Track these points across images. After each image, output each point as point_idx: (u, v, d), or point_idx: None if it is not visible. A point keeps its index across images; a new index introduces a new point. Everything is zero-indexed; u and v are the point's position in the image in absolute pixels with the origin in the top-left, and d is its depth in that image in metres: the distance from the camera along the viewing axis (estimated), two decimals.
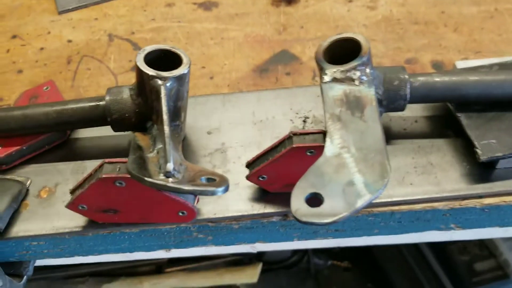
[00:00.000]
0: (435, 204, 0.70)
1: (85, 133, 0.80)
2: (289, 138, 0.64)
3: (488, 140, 0.69)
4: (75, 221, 0.70)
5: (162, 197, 0.63)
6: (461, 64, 0.80)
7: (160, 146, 0.62)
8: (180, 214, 0.66)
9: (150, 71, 0.66)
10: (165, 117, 0.62)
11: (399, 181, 0.71)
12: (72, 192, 0.67)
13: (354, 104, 0.63)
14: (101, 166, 0.63)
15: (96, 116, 0.72)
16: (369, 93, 0.64)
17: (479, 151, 0.68)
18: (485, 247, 1.40)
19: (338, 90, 0.64)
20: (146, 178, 0.55)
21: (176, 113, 0.69)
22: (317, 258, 1.65)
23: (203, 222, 0.70)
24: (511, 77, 0.70)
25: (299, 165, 0.63)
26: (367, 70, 0.65)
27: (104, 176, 0.61)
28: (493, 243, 1.38)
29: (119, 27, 0.98)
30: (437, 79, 0.70)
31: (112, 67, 0.91)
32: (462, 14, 0.94)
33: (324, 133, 0.62)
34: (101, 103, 0.71)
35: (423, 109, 0.78)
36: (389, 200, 0.70)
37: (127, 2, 1.03)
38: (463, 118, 0.72)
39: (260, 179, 0.68)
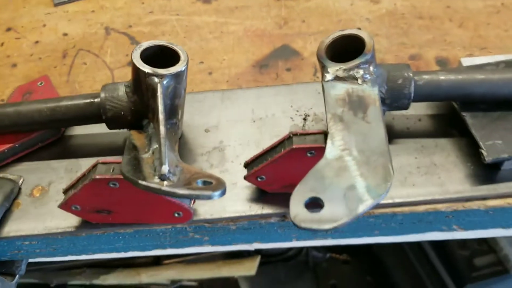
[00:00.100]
0: (438, 206, 0.68)
1: (80, 130, 0.78)
2: (289, 138, 0.62)
3: (494, 141, 0.67)
4: (68, 221, 0.69)
5: (157, 198, 0.61)
6: (466, 61, 0.78)
7: (155, 146, 0.60)
8: (176, 215, 0.64)
9: (147, 68, 0.63)
10: (161, 116, 0.60)
11: (402, 181, 0.69)
12: (65, 192, 0.65)
13: (356, 104, 0.61)
14: (94, 166, 0.61)
15: (91, 114, 0.70)
16: (372, 93, 0.62)
17: (484, 152, 0.66)
18: (485, 242, 1.39)
19: (340, 89, 0.62)
20: (140, 181, 0.54)
21: (173, 111, 0.67)
22: (315, 250, 1.63)
23: (200, 222, 0.69)
24: None
25: (299, 166, 0.61)
26: (371, 68, 0.63)
27: (97, 177, 0.60)
28: (493, 238, 1.37)
29: (116, 20, 0.96)
30: (442, 77, 0.68)
31: (109, 61, 0.89)
32: (467, 9, 0.92)
33: (325, 134, 0.60)
34: (96, 100, 0.69)
35: (427, 107, 0.76)
36: (390, 201, 0.68)
37: None
38: (468, 118, 0.70)
39: (259, 179, 0.66)
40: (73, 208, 0.65)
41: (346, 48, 0.66)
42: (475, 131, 0.68)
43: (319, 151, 0.59)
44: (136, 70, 0.64)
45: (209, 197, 0.52)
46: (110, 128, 0.71)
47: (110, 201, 0.64)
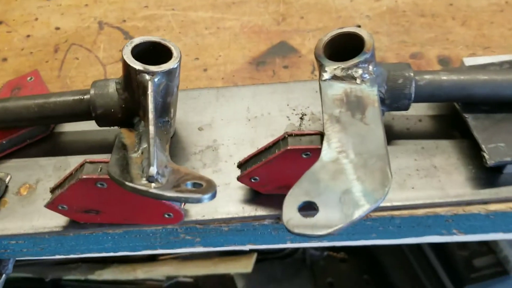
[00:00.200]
0: (438, 210, 0.66)
1: (70, 127, 0.76)
2: (284, 139, 0.60)
3: (496, 144, 0.65)
4: (55, 220, 0.67)
5: (146, 199, 0.58)
6: (469, 61, 0.76)
7: (145, 145, 0.58)
8: (166, 216, 0.62)
9: (137, 65, 0.61)
10: (150, 115, 0.58)
11: (400, 184, 0.67)
12: (52, 191, 0.63)
13: (354, 105, 0.59)
14: (82, 165, 0.59)
15: (80, 111, 0.68)
16: (371, 93, 0.60)
17: (486, 155, 0.64)
18: (485, 243, 1.37)
19: (338, 89, 0.60)
20: (126, 183, 0.51)
21: (165, 109, 0.65)
22: (313, 249, 1.62)
23: (191, 224, 0.67)
24: None
25: (294, 167, 0.59)
26: (370, 68, 0.61)
27: (84, 176, 0.58)
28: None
29: (110, 14, 0.93)
30: (444, 77, 0.66)
31: (101, 56, 0.87)
32: (471, 7, 0.90)
33: (321, 135, 0.58)
34: (85, 97, 0.67)
35: (428, 108, 0.74)
36: (389, 204, 0.66)
37: None
38: (471, 119, 0.68)
39: (252, 180, 0.64)
40: (60, 207, 0.63)
41: (345, 46, 0.64)
42: (477, 133, 0.66)
43: (315, 153, 0.57)
44: (126, 67, 0.62)
45: (198, 201, 0.50)
46: (100, 125, 0.69)
47: (98, 201, 0.62)
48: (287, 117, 0.75)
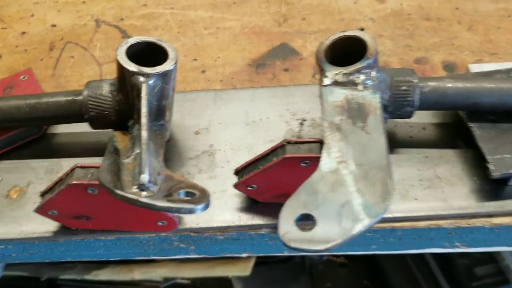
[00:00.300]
0: (441, 222, 0.64)
1: (64, 128, 0.74)
2: (282, 146, 0.57)
3: (502, 155, 0.63)
4: (45, 225, 0.65)
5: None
6: (475, 68, 0.74)
7: (138, 151, 0.56)
8: (160, 224, 0.60)
9: (131, 67, 0.59)
10: (143, 120, 0.55)
11: (403, 194, 0.65)
12: (42, 195, 0.61)
13: (356, 112, 0.56)
14: (72, 170, 0.57)
15: (73, 112, 0.66)
16: (373, 100, 0.57)
17: (491, 167, 0.62)
18: (486, 251, 1.35)
19: (339, 95, 0.58)
20: (116, 191, 0.49)
21: (160, 113, 0.63)
22: None
23: (185, 231, 0.65)
24: None
25: (292, 175, 0.57)
26: (373, 74, 0.59)
27: (74, 182, 0.56)
28: None
29: (108, 12, 0.91)
30: (449, 84, 0.64)
31: (98, 55, 0.85)
32: (477, 11, 0.87)
33: (321, 143, 0.56)
34: (78, 98, 0.65)
35: (432, 115, 0.72)
36: (390, 216, 0.64)
37: None
38: (476, 129, 0.65)
39: (249, 188, 0.62)
40: (50, 213, 0.61)
41: (347, 50, 0.61)
42: (482, 143, 0.64)
43: (314, 161, 0.55)
44: (120, 68, 0.60)
45: (190, 211, 0.47)
46: (93, 128, 0.66)
47: (89, 207, 0.60)
48: (287, 122, 0.73)
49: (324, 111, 0.57)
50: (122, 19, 0.90)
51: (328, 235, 0.46)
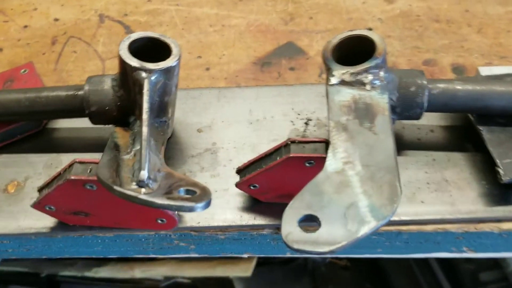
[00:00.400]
0: (448, 226, 0.63)
1: (64, 123, 0.73)
2: (286, 145, 0.56)
3: None
4: (42, 221, 0.64)
5: None
6: (484, 70, 0.72)
7: (138, 147, 0.54)
8: (159, 221, 0.59)
9: (134, 62, 0.58)
10: (145, 116, 0.54)
11: (409, 197, 0.64)
12: (40, 190, 0.60)
13: (363, 113, 0.55)
14: (71, 165, 0.56)
15: (73, 107, 0.64)
16: (381, 101, 0.56)
17: (501, 171, 0.60)
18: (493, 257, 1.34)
19: (346, 95, 0.56)
20: (115, 187, 0.48)
21: (162, 109, 0.62)
22: None
23: (185, 230, 0.64)
24: None
25: (296, 176, 0.56)
26: (381, 74, 0.57)
27: (72, 177, 0.54)
28: None
29: (112, 7, 0.90)
30: (458, 87, 0.63)
31: (101, 51, 0.83)
32: (487, 14, 0.86)
33: (326, 143, 0.55)
34: (79, 92, 0.64)
35: (441, 118, 0.71)
36: (396, 219, 0.63)
37: None
38: (485, 132, 0.64)
39: (251, 187, 0.61)
40: (47, 208, 0.59)
41: (354, 50, 0.60)
42: (492, 147, 0.63)
43: (319, 162, 0.53)
44: (122, 63, 0.59)
45: (190, 210, 0.46)
46: (94, 123, 0.65)
47: (88, 203, 0.58)
48: (291, 121, 0.71)
49: (331, 111, 0.56)
50: (126, 15, 0.89)
51: (333, 237, 0.45)
